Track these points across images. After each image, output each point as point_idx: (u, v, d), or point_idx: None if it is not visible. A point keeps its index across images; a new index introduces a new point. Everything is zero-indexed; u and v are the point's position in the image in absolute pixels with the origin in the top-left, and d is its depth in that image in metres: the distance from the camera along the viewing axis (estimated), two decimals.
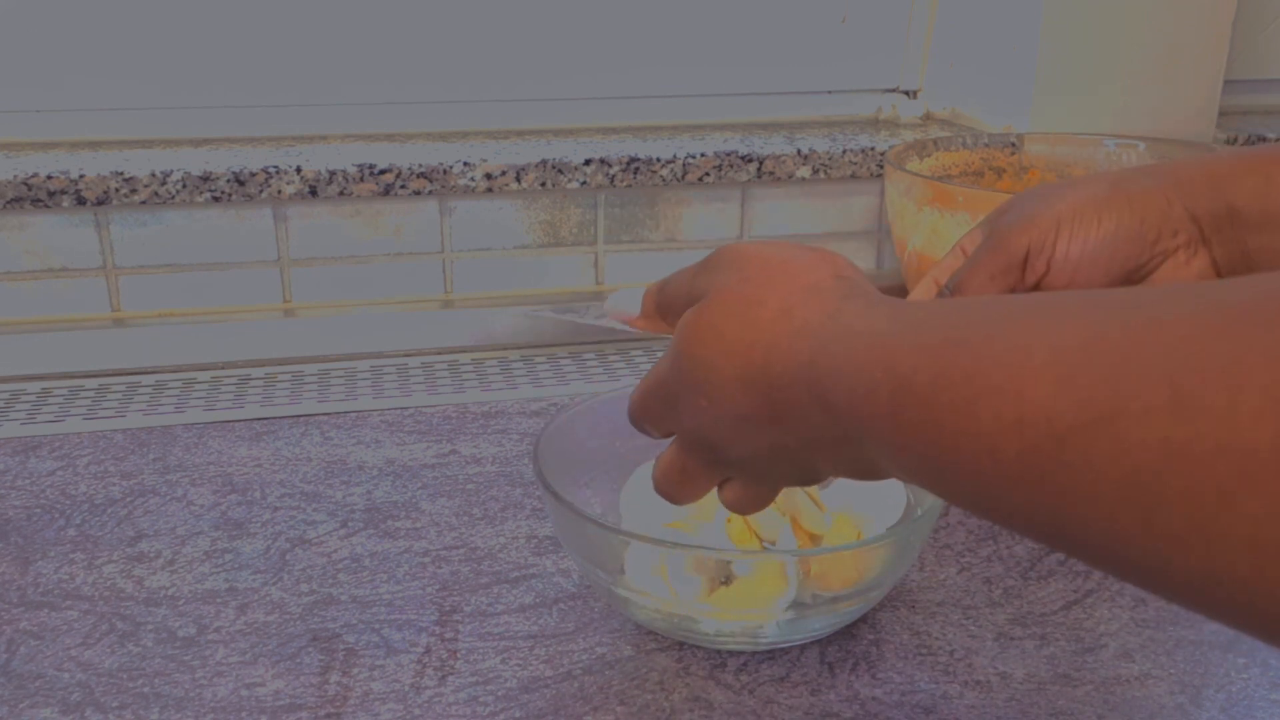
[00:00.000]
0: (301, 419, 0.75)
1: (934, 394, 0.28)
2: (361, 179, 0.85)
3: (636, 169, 0.90)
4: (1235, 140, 1.05)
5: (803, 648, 0.52)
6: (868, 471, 0.35)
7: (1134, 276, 0.47)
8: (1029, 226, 0.47)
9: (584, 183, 0.89)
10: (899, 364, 0.30)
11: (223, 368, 0.84)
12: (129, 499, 0.65)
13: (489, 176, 0.87)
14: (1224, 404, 0.21)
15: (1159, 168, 0.48)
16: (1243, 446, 0.21)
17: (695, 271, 0.42)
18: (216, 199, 0.83)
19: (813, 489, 0.55)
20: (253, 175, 0.83)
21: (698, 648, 0.52)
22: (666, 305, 0.44)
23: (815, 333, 0.35)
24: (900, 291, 0.91)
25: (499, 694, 0.49)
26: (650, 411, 0.42)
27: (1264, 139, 1.06)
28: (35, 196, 0.80)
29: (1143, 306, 0.25)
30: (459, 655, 0.51)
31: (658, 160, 0.90)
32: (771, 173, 0.92)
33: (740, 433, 0.38)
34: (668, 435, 0.43)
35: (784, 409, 0.35)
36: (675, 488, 0.43)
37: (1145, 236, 0.46)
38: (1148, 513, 0.23)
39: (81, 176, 0.81)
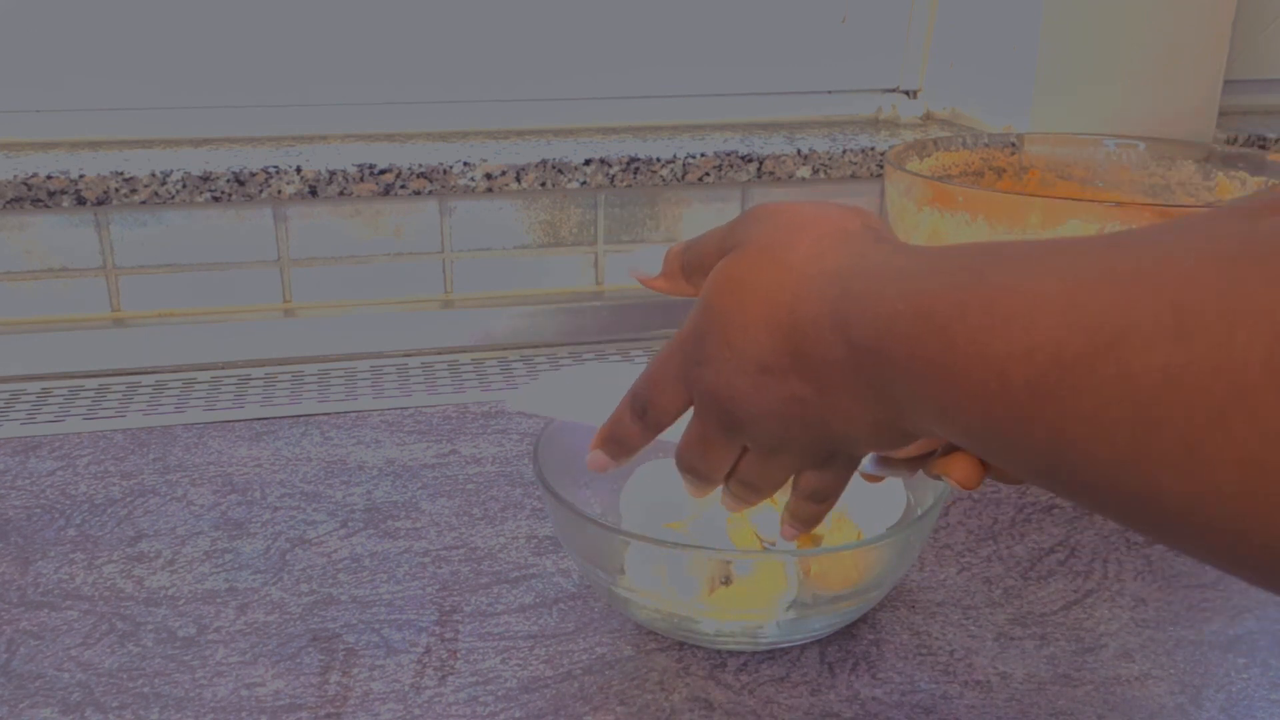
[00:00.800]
0: (301, 419, 0.75)
1: (951, 323, 0.30)
2: (361, 179, 0.85)
3: (636, 169, 0.90)
4: (1235, 140, 1.05)
5: (803, 648, 0.52)
6: (880, 424, 0.35)
7: None
8: None
9: (584, 183, 0.89)
10: (921, 296, 0.31)
11: (223, 368, 0.84)
12: (129, 499, 0.65)
13: (489, 176, 0.87)
14: (1221, 328, 0.23)
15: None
16: (1236, 368, 0.22)
17: (726, 231, 0.43)
18: (216, 199, 0.83)
19: None
20: (253, 175, 0.83)
21: (698, 648, 0.52)
22: (694, 265, 0.44)
23: (843, 272, 0.36)
24: None
25: (499, 694, 0.49)
26: (669, 371, 0.42)
27: (1264, 139, 1.06)
28: (35, 196, 0.80)
29: (1151, 244, 0.27)
30: (459, 655, 0.51)
31: (658, 160, 0.90)
32: (771, 173, 0.92)
33: (759, 386, 0.38)
34: (676, 409, 0.42)
35: (806, 350, 0.36)
36: (697, 459, 0.43)
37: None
38: (1144, 436, 0.24)
39: (81, 176, 0.81)
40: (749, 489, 0.43)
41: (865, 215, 0.40)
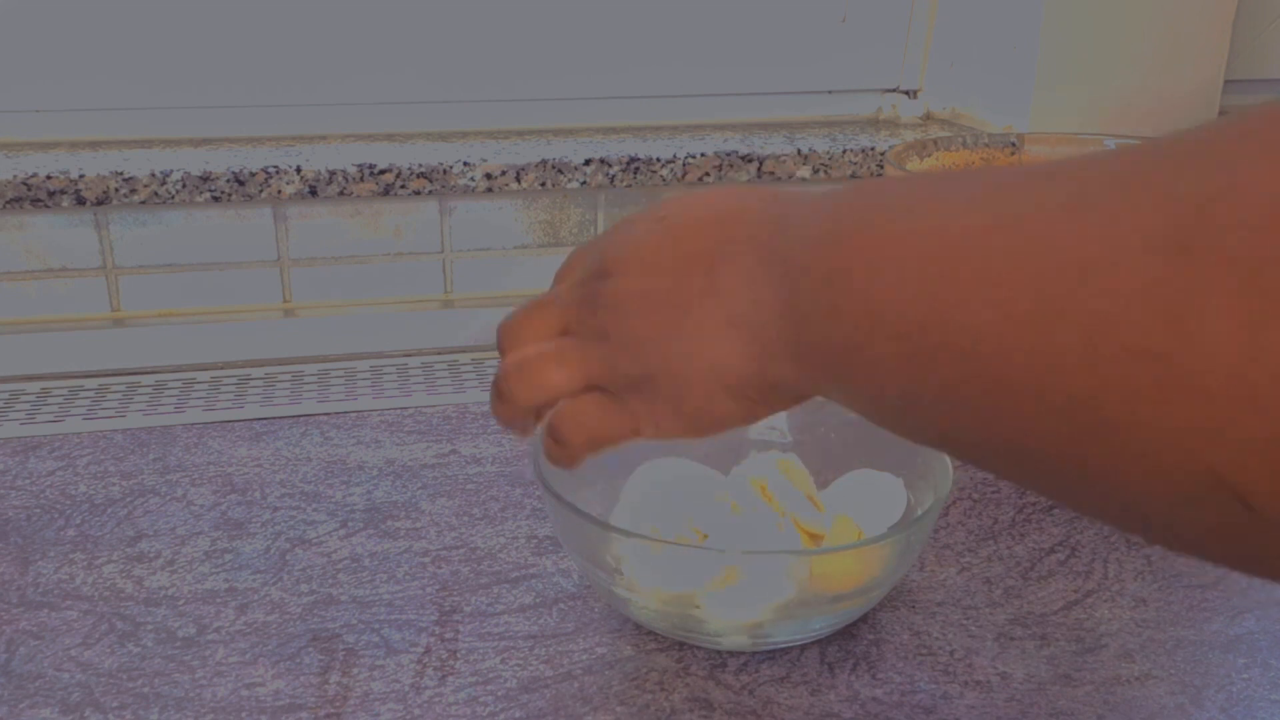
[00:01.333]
0: (301, 419, 0.75)
1: (842, 275, 0.31)
2: (361, 179, 0.85)
3: (636, 169, 0.90)
4: None
5: (803, 648, 0.52)
6: (795, 355, 0.35)
7: None
8: None
9: (584, 183, 0.89)
10: (840, 232, 0.32)
11: (223, 368, 0.84)
12: (129, 499, 0.65)
13: (489, 176, 0.87)
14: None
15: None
16: (1109, 282, 0.23)
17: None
18: (216, 199, 0.83)
19: (811, 489, 0.55)
20: (253, 175, 0.83)
21: (698, 648, 0.52)
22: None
23: (773, 200, 0.37)
24: None
25: (499, 694, 0.49)
26: (564, 275, 0.42)
27: None
28: (35, 196, 0.80)
29: (1010, 199, 0.28)
30: (459, 655, 0.51)
31: (658, 160, 0.90)
32: (771, 173, 0.92)
33: (670, 283, 0.37)
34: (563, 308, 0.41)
35: (732, 254, 0.36)
36: (523, 320, 0.41)
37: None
38: (1043, 350, 0.24)
39: (81, 176, 0.81)
40: (572, 424, 0.41)
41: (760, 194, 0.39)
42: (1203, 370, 0.21)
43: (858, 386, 0.32)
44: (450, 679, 0.50)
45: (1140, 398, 0.22)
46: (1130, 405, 0.23)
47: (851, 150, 0.94)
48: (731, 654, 0.51)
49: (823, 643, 0.52)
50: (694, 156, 0.91)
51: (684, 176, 0.91)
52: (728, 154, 0.91)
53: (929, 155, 0.84)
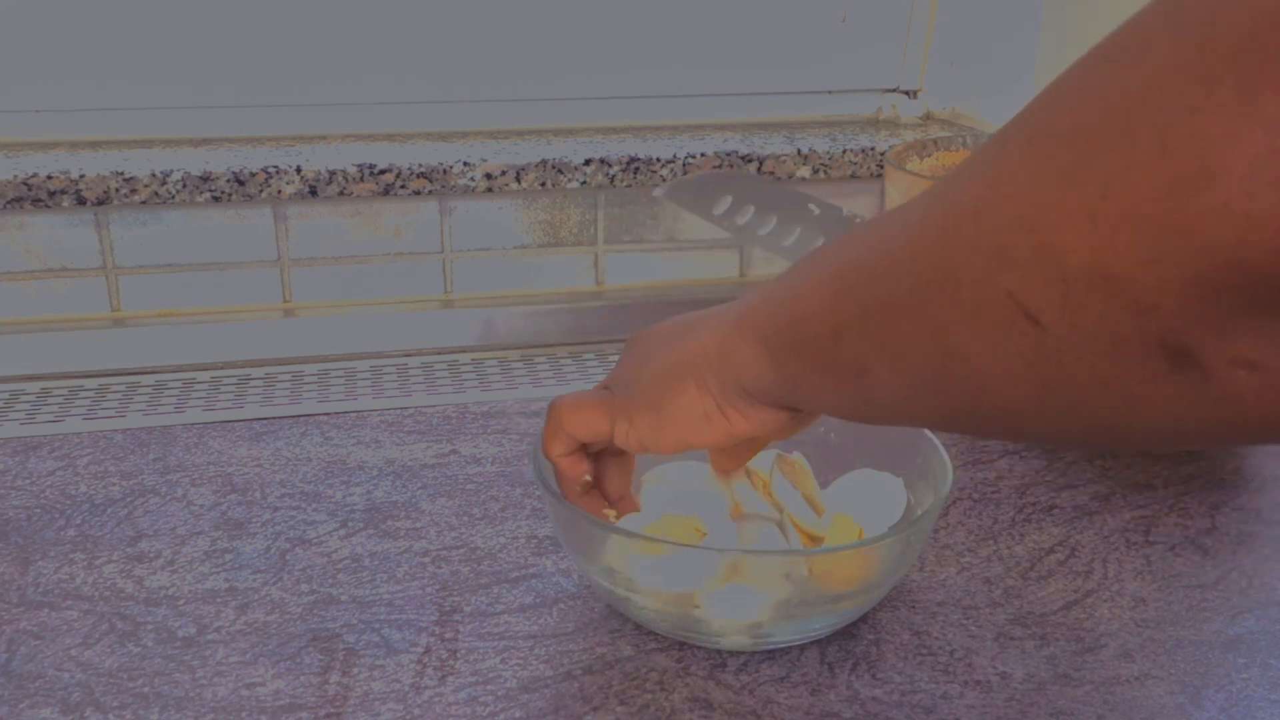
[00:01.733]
0: (301, 419, 0.75)
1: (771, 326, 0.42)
2: (361, 179, 0.85)
3: (636, 169, 0.90)
4: None
5: (803, 648, 0.52)
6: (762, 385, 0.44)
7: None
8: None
9: (584, 183, 0.89)
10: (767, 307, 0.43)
11: (223, 368, 0.84)
12: (129, 499, 0.65)
13: (489, 176, 0.87)
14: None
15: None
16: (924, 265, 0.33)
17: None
18: (216, 199, 0.83)
19: (813, 490, 0.55)
20: (253, 175, 0.83)
21: (698, 648, 0.52)
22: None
23: (731, 311, 0.45)
24: None
25: (499, 694, 0.49)
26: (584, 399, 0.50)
27: None
28: (35, 196, 0.81)
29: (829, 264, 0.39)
30: (459, 655, 0.51)
31: (658, 160, 0.90)
32: (771, 173, 0.92)
33: (650, 344, 0.48)
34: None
35: (704, 319, 0.46)
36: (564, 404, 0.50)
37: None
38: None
39: (81, 176, 0.81)
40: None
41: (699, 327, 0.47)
42: (1001, 214, 0.29)
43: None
44: (450, 679, 0.50)
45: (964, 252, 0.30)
46: (958, 261, 0.31)
47: (851, 150, 0.94)
48: (731, 654, 0.51)
49: (823, 643, 0.52)
50: (694, 156, 0.91)
51: (684, 176, 0.91)
52: (728, 154, 0.91)
53: (929, 155, 0.84)
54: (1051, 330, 0.28)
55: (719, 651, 0.51)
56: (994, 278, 0.29)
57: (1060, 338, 0.28)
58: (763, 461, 0.55)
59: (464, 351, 0.88)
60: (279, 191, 0.84)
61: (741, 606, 0.49)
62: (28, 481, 0.66)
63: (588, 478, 0.51)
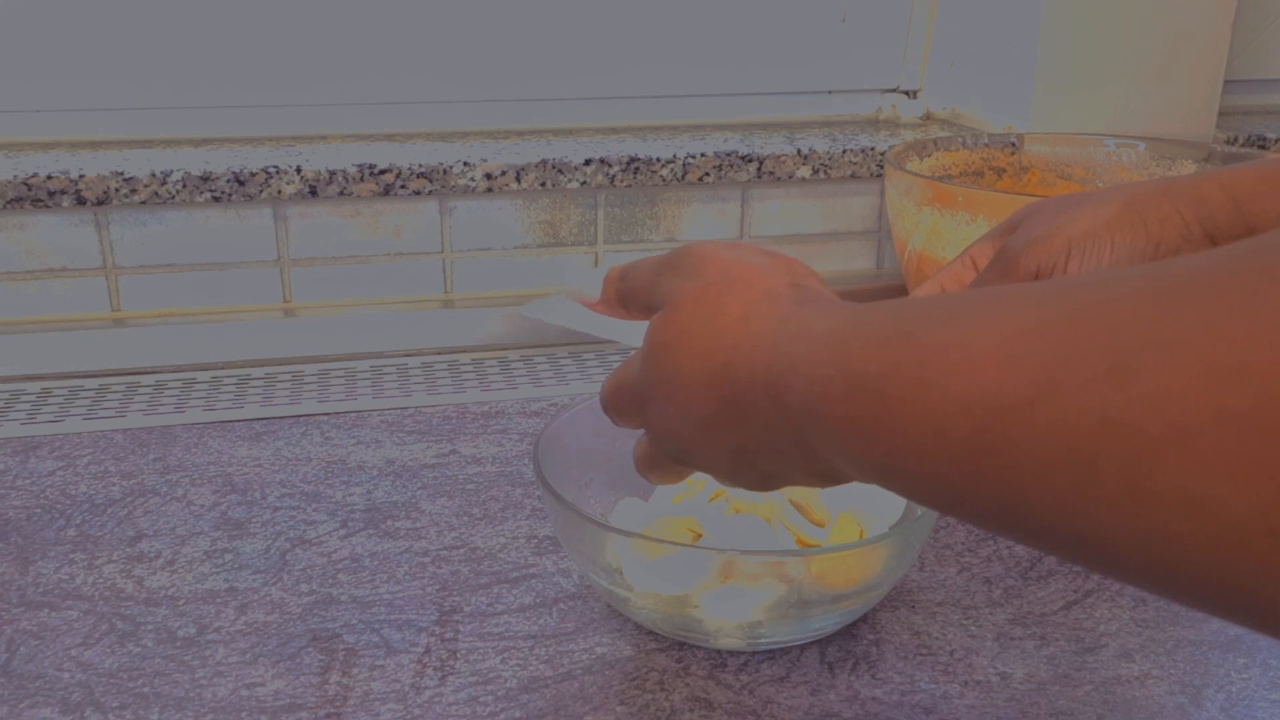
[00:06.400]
0: (301, 419, 0.75)
1: (885, 385, 0.29)
2: (361, 179, 0.85)
3: (636, 169, 0.90)
4: (1235, 140, 1.05)
5: (803, 648, 0.52)
6: (826, 475, 0.35)
7: None
8: (1038, 248, 0.47)
9: (584, 183, 0.89)
10: (851, 360, 0.31)
11: (223, 368, 0.84)
12: (129, 499, 0.65)
13: (489, 176, 0.87)
14: (1155, 368, 0.22)
15: (1176, 184, 0.46)
16: (1172, 406, 0.22)
17: (658, 269, 0.43)
18: (216, 199, 0.83)
19: (810, 497, 0.55)
20: (253, 175, 0.83)
21: (698, 648, 0.52)
22: (628, 295, 0.45)
23: (770, 337, 0.36)
24: (900, 291, 0.91)
25: (499, 694, 0.49)
26: (620, 406, 0.44)
27: (1264, 139, 1.06)
28: (35, 196, 0.80)
29: (1088, 289, 0.26)
30: (459, 655, 0.51)
31: (658, 160, 0.90)
32: (771, 173, 0.92)
33: (705, 436, 0.38)
34: (637, 429, 0.44)
35: (744, 411, 0.36)
36: (653, 476, 0.46)
37: (1159, 260, 0.46)
38: (1085, 480, 0.24)
39: (81, 176, 0.81)
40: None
41: (794, 269, 0.40)
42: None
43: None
44: (450, 679, 0.50)
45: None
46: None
47: (851, 150, 0.94)
48: (731, 654, 0.51)
49: (823, 643, 0.52)
50: (694, 156, 0.91)
51: (684, 176, 0.91)
52: (728, 154, 0.91)
53: (929, 155, 0.84)
54: None
55: (719, 651, 0.51)
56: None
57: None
58: None
59: (464, 351, 0.88)
60: (279, 191, 0.84)
61: (740, 607, 0.49)
62: (28, 481, 0.66)
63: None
